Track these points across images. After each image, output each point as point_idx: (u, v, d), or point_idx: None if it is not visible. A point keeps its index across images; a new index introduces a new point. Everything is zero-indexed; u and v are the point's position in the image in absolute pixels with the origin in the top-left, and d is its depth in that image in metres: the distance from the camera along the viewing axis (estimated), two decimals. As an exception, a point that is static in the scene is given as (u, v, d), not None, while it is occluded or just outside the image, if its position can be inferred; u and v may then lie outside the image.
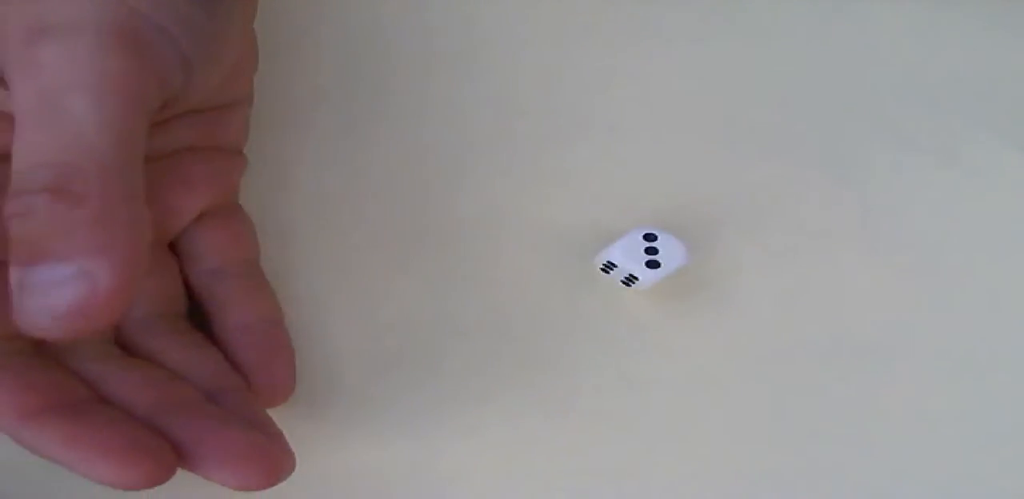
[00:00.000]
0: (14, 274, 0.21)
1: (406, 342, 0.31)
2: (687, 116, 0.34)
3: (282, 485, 0.28)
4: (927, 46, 0.36)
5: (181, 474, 0.24)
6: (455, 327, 0.31)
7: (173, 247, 0.29)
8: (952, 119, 0.35)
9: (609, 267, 0.30)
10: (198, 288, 0.29)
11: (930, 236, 0.33)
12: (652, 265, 0.29)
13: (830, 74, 0.35)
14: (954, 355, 0.32)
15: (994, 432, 0.31)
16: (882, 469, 0.30)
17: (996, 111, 0.35)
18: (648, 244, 0.30)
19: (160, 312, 0.28)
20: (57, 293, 0.21)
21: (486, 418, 0.30)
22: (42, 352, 0.25)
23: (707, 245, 0.32)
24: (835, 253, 0.33)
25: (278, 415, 0.27)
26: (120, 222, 0.21)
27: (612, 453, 0.30)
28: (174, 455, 0.23)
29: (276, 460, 0.24)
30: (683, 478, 0.30)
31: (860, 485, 0.30)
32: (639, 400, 0.30)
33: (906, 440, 0.30)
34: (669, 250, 0.30)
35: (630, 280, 0.30)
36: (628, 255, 0.29)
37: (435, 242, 0.32)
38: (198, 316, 0.29)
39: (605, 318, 0.31)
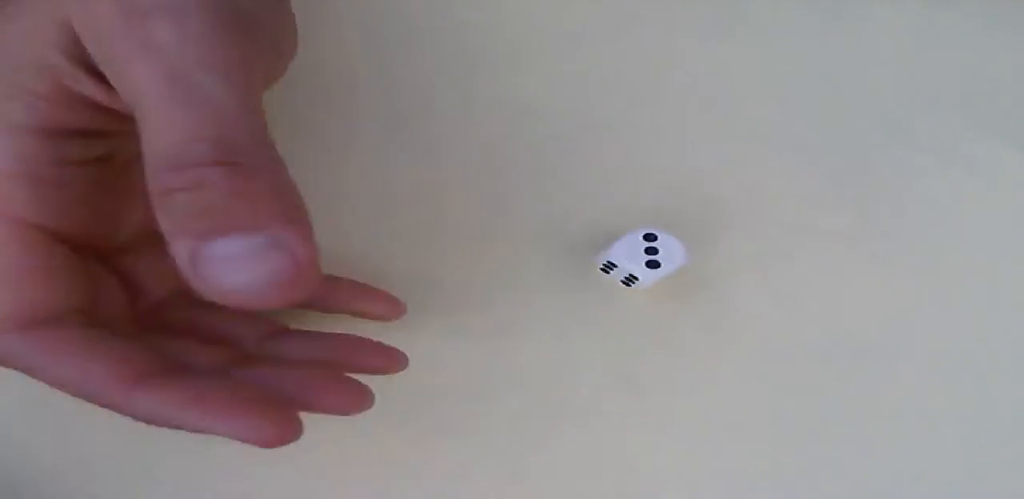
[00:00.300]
0: (185, 246, 0.21)
1: (406, 342, 0.31)
2: (687, 116, 0.34)
3: (282, 485, 0.29)
4: (927, 46, 0.36)
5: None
6: (455, 327, 0.31)
7: None
8: (952, 119, 0.35)
9: (609, 267, 0.30)
10: None
11: (930, 236, 0.33)
12: (652, 265, 0.29)
13: (830, 74, 0.35)
14: (954, 355, 0.32)
15: (994, 432, 0.31)
16: (882, 469, 0.30)
17: (996, 111, 0.35)
18: (648, 244, 0.30)
19: (177, 289, 0.28)
20: (255, 264, 0.21)
21: (486, 418, 0.30)
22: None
23: (707, 245, 0.33)
24: (835, 253, 0.33)
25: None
26: (294, 193, 0.22)
27: (612, 453, 0.30)
28: (299, 418, 0.24)
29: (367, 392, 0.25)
30: (683, 478, 0.30)
31: (860, 485, 0.30)
32: (639, 400, 0.30)
33: (906, 440, 0.30)
34: (669, 250, 0.30)
35: (630, 280, 0.30)
36: (628, 255, 0.30)
37: (436, 241, 0.32)
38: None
39: (605, 318, 0.31)
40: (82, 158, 0.25)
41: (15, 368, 0.25)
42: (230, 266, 0.21)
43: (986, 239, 0.33)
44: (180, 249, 0.21)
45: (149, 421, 0.24)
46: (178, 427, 0.24)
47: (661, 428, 0.30)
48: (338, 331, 0.28)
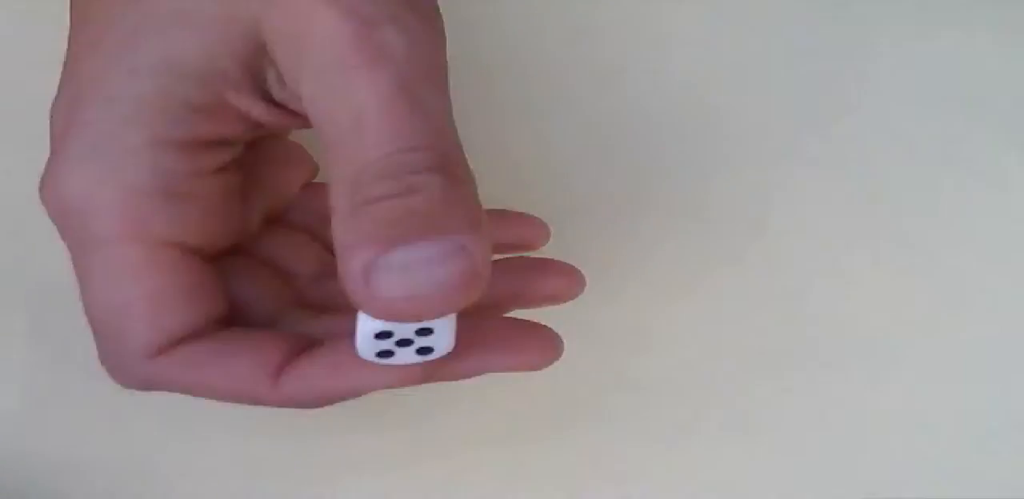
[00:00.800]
0: (361, 259, 0.21)
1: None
2: (687, 116, 0.34)
3: (282, 485, 0.29)
4: (928, 46, 0.36)
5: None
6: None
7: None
8: (953, 119, 0.35)
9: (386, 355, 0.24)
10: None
11: (930, 236, 0.33)
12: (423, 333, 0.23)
13: (830, 74, 0.35)
14: (954, 355, 0.32)
15: (994, 432, 0.31)
16: (882, 468, 0.30)
17: (997, 111, 0.35)
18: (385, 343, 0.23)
19: (320, 268, 0.28)
20: (435, 270, 0.21)
21: (486, 419, 0.30)
22: None
23: (707, 244, 0.33)
24: (835, 253, 0.33)
25: (276, 415, 0.27)
26: (477, 200, 0.22)
27: (612, 453, 0.30)
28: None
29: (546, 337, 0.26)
30: (683, 478, 0.30)
31: (860, 485, 0.30)
32: (639, 400, 0.30)
33: (906, 440, 0.30)
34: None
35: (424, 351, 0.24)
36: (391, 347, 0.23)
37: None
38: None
39: (605, 318, 0.31)
40: (212, 167, 0.25)
41: (165, 390, 0.24)
42: (406, 274, 0.21)
43: (986, 239, 0.33)
44: (356, 261, 0.21)
45: (306, 405, 0.24)
46: (335, 401, 0.24)
47: (661, 428, 0.30)
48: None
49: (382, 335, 0.22)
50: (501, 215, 0.28)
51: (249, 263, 0.26)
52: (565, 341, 0.31)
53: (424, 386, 0.30)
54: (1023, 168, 0.34)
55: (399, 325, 0.22)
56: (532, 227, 0.29)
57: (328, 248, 0.28)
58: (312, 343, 0.24)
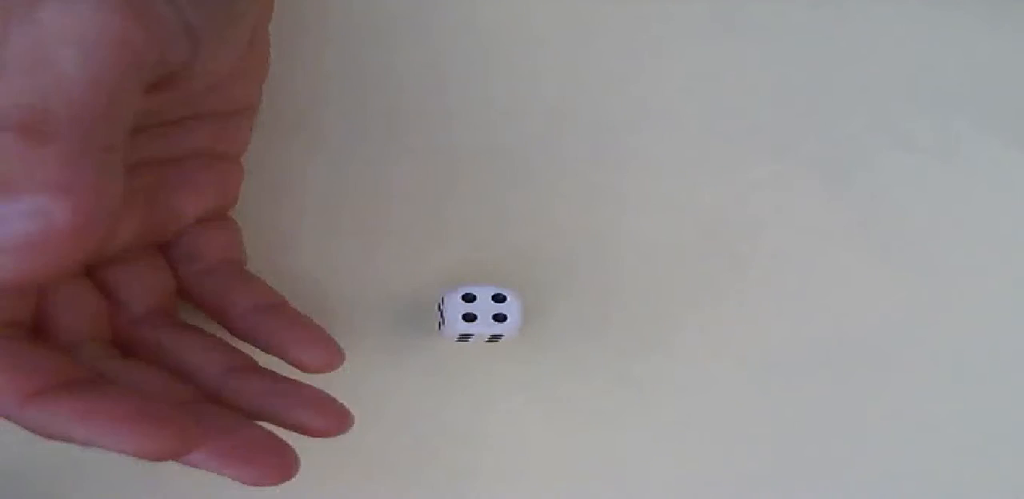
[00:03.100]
0: None
1: (405, 342, 0.31)
2: (687, 116, 0.34)
3: (284, 485, 0.29)
4: (927, 46, 0.36)
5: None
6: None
7: (165, 250, 0.29)
8: (952, 119, 0.35)
9: (466, 337, 0.29)
10: (193, 288, 0.29)
11: (930, 236, 0.33)
12: (499, 318, 0.28)
13: (830, 74, 0.35)
14: (954, 355, 0.32)
15: (994, 432, 0.31)
16: (882, 469, 0.30)
17: (997, 111, 0.35)
18: (472, 306, 0.28)
19: (159, 306, 0.28)
20: (8, 226, 0.21)
21: (486, 418, 0.30)
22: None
23: (708, 244, 0.33)
24: (835, 253, 0.33)
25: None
26: (86, 166, 0.21)
27: (612, 453, 0.30)
28: (195, 426, 0.23)
29: (284, 456, 0.25)
30: (683, 478, 0.30)
31: (860, 485, 0.30)
32: (639, 400, 0.30)
33: (905, 440, 0.30)
34: (497, 299, 0.29)
35: (495, 338, 0.29)
36: (471, 320, 0.28)
37: (437, 241, 0.32)
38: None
39: (604, 318, 0.31)
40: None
41: None
42: None
43: (986, 239, 0.33)
44: None
45: (40, 434, 0.23)
46: (67, 440, 0.23)
47: (661, 428, 0.30)
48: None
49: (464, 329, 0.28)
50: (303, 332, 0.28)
51: (84, 288, 0.27)
52: (568, 341, 0.31)
53: (424, 386, 0.30)
54: (1023, 168, 0.34)
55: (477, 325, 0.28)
56: (325, 359, 0.28)
57: (181, 287, 0.29)
58: (85, 380, 0.24)
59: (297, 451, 0.28)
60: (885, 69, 0.36)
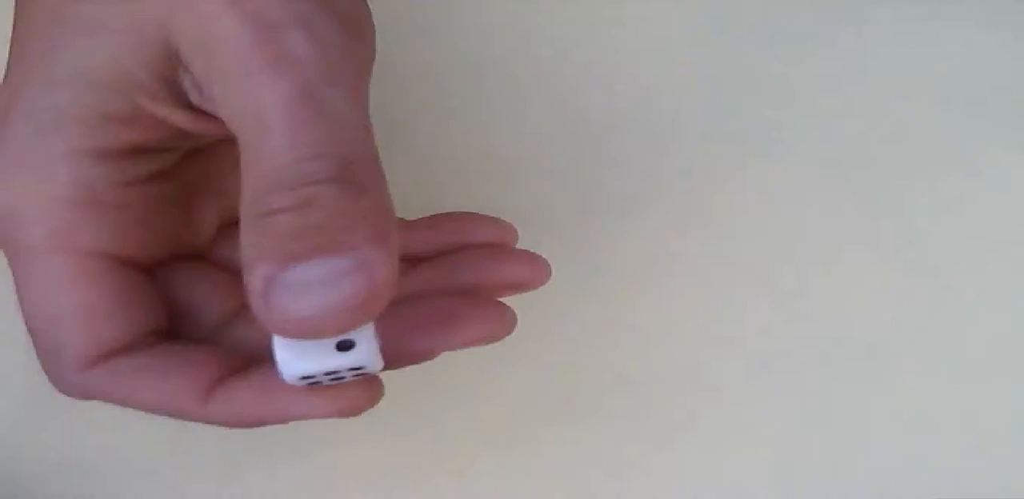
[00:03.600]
0: (261, 275, 0.20)
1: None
2: (687, 116, 0.34)
3: (285, 485, 0.29)
4: (928, 46, 0.36)
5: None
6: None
7: None
8: (953, 120, 0.35)
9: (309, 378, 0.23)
10: None
11: (931, 236, 0.33)
12: (344, 346, 0.22)
13: (831, 74, 0.35)
14: (955, 355, 0.32)
15: (994, 432, 0.31)
16: (882, 469, 0.30)
17: (997, 112, 0.35)
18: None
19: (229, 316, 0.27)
20: (331, 288, 0.20)
21: (486, 418, 0.30)
22: None
23: (708, 244, 0.33)
24: (835, 253, 0.33)
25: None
26: (390, 211, 0.21)
27: (611, 452, 0.30)
28: (378, 379, 0.23)
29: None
30: (683, 478, 0.30)
31: (860, 485, 0.30)
32: (639, 400, 0.30)
33: (906, 440, 0.30)
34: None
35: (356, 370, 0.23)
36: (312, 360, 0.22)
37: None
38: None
39: (605, 318, 0.31)
40: (140, 176, 0.24)
41: (99, 400, 0.24)
42: (304, 291, 0.20)
43: (987, 240, 0.33)
44: (255, 278, 0.20)
45: (231, 425, 0.23)
46: (263, 424, 0.23)
47: (661, 428, 0.30)
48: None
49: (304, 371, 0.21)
50: (470, 217, 0.27)
51: (199, 270, 0.26)
52: (565, 342, 0.31)
53: (424, 386, 0.30)
54: (1023, 168, 0.34)
55: (317, 360, 0.21)
56: (499, 229, 0.27)
57: None
58: (249, 361, 0.24)
59: (295, 451, 0.28)
60: (885, 69, 0.36)
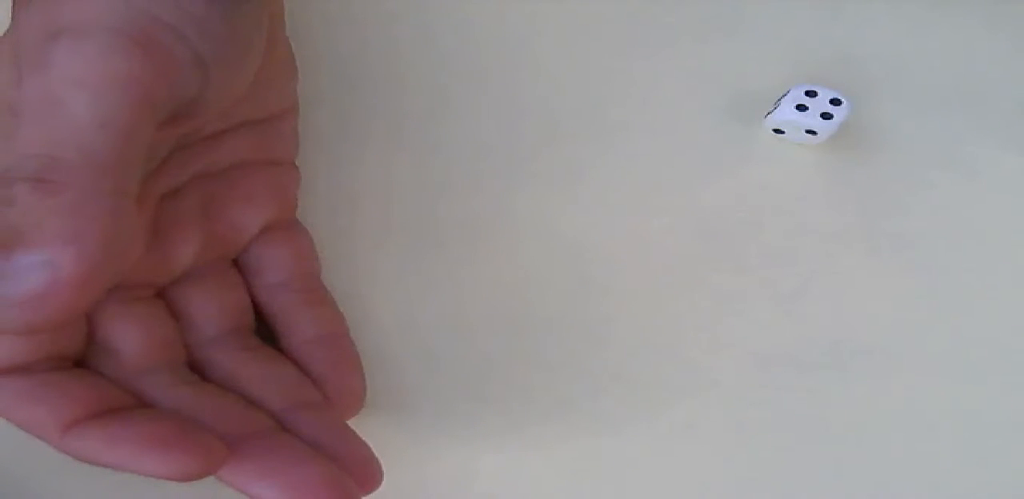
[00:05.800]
0: None
1: (405, 342, 0.31)
2: (686, 116, 0.34)
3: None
4: (926, 46, 0.36)
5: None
6: (454, 328, 0.31)
7: (237, 263, 0.29)
8: (953, 120, 0.35)
9: (781, 130, 0.33)
10: (264, 303, 0.29)
11: (931, 237, 0.33)
12: (826, 117, 0.32)
13: (830, 74, 0.35)
14: (954, 356, 0.32)
15: (994, 433, 0.31)
16: (882, 469, 0.30)
17: (996, 112, 0.35)
18: (810, 100, 0.32)
19: (232, 327, 0.28)
20: (17, 282, 0.21)
21: (486, 418, 0.30)
22: (87, 372, 0.26)
23: (707, 244, 0.33)
24: (835, 253, 0.33)
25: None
26: (95, 213, 0.21)
27: (612, 453, 0.30)
28: (223, 446, 0.23)
29: (349, 495, 0.24)
30: (683, 478, 0.30)
31: (860, 485, 0.30)
32: (639, 400, 0.30)
33: (906, 441, 0.30)
34: (832, 101, 0.32)
35: (811, 132, 0.33)
36: (798, 110, 0.32)
37: (439, 244, 0.32)
38: (264, 331, 0.29)
39: (605, 318, 0.31)
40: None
41: None
42: (5, 283, 0.21)
43: (986, 240, 0.33)
44: None
45: (82, 461, 0.24)
46: (104, 466, 0.24)
47: (660, 428, 0.30)
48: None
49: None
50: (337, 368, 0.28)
51: (155, 311, 0.27)
52: (565, 340, 0.31)
53: (424, 387, 0.30)
54: (1023, 168, 0.34)
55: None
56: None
57: (254, 301, 0.29)
58: (122, 407, 0.24)
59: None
60: (884, 69, 0.36)
